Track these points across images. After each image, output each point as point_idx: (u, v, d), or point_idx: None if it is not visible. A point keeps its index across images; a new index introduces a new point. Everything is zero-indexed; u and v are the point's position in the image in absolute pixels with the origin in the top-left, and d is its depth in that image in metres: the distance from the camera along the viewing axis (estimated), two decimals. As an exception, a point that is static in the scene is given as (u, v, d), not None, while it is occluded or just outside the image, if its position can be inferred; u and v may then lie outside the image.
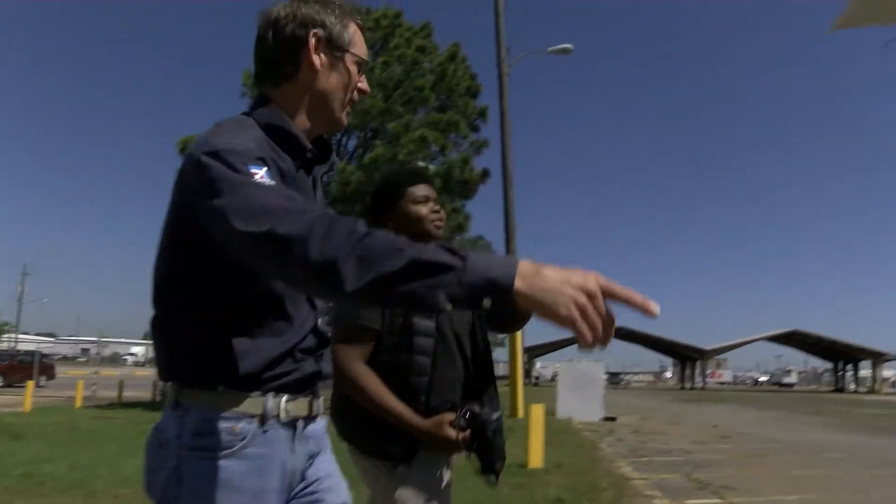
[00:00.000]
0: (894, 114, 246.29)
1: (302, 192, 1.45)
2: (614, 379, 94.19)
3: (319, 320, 1.58)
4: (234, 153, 1.28)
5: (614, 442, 13.03)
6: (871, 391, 66.55)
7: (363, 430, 2.18)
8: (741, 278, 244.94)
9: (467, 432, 2.10)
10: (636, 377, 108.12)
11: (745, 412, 26.42)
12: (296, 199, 1.24)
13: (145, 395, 22.70)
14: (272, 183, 1.26)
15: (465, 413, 2.12)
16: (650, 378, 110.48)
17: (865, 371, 73.84)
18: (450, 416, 2.11)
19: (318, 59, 1.51)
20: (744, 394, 56.44)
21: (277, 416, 1.42)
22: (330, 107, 1.56)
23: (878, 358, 69.25)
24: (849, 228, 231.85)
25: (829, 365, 78.82)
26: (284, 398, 1.43)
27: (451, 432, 2.09)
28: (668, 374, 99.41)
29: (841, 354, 71.98)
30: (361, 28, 1.61)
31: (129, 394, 22.51)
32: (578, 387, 18.71)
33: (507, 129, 19.10)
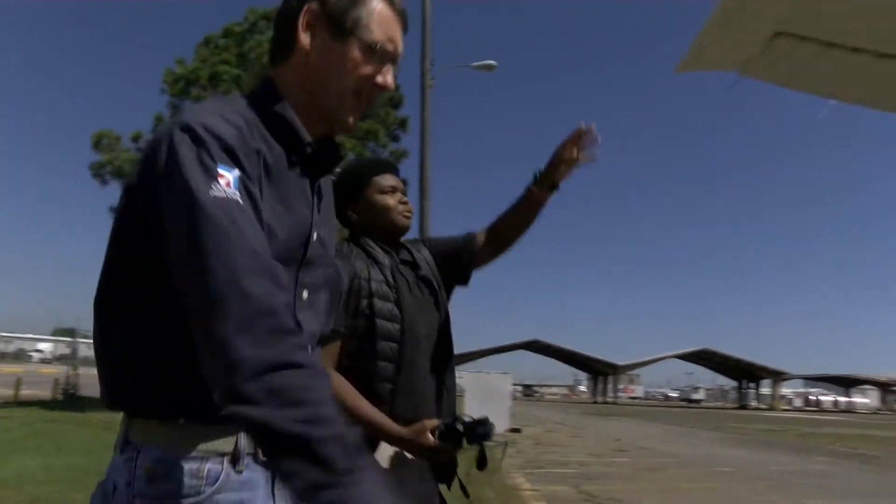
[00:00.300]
0: (809, 151, 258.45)
1: (290, 192, 1.22)
2: (528, 391, 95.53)
3: (309, 349, 1.24)
4: (201, 140, 1.05)
5: (514, 453, 13.18)
6: (771, 408, 69.45)
7: None
8: (656, 297, 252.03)
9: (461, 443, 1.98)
10: (551, 390, 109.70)
11: (649, 427, 27.18)
12: (254, 237, 1.03)
13: (46, 393, 21.77)
14: (234, 196, 1.04)
15: (460, 424, 1.99)
16: (564, 391, 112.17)
17: (767, 389, 77.06)
18: (431, 424, 1.97)
19: (306, 39, 1.25)
20: (652, 409, 58.00)
21: (254, 453, 1.15)
22: (326, 101, 1.27)
23: (778, 377, 72.64)
24: (758, 254, 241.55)
25: (734, 383, 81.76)
26: None
27: (432, 440, 1.96)
28: (583, 388, 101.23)
29: (745, 373, 74.94)
30: (397, 8, 1.31)
31: (28, 392, 21.46)
32: (486, 398, 18.87)
33: (428, 140, 19.21)
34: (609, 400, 74.94)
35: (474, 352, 73.38)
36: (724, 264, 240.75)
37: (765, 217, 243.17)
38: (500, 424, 19.07)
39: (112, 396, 1.15)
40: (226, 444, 1.12)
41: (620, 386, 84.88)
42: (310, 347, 1.25)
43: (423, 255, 2.28)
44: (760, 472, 12.06)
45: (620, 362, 74.10)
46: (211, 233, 0.99)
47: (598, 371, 77.27)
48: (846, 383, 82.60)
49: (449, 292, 2.33)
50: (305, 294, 1.24)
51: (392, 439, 1.97)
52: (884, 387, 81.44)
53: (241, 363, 0.94)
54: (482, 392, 19.34)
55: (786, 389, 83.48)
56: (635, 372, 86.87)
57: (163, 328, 1.10)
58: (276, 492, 1.18)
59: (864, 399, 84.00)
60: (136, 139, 19.61)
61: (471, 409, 19.72)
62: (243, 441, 1.13)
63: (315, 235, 1.26)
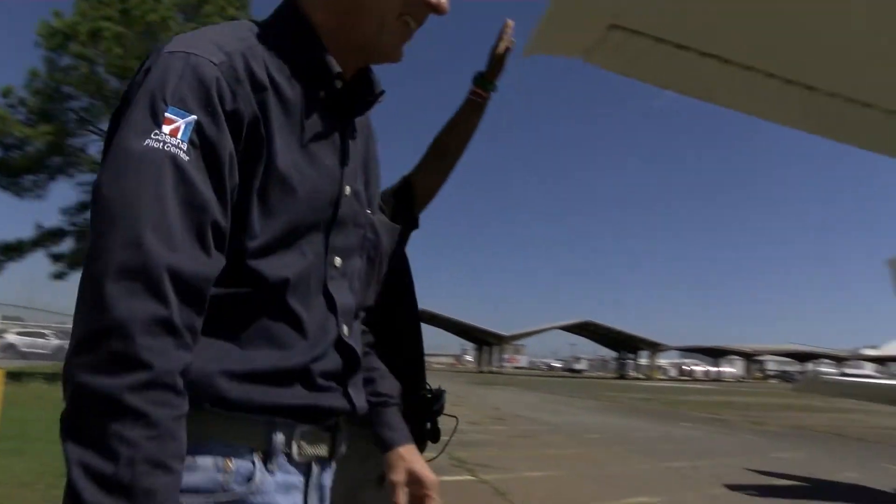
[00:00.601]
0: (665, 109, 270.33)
1: (314, 137, 1.02)
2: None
3: (345, 328, 1.08)
4: (166, 75, 0.88)
5: (395, 422, 13.35)
6: (648, 378, 73.05)
7: None
8: (542, 271, 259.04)
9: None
10: (437, 359, 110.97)
11: (529, 396, 28.05)
12: (171, 209, 0.83)
13: None
14: (173, 148, 0.84)
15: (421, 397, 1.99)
16: (451, 360, 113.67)
17: (645, 360, 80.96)
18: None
19: None
20: (536, 379, 59.76)
21: (289, 453, 0.99)
22: (362, 23, 1.03)
23: (655, 348, 76.58)
24: (639, 234, 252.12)
25: (615, 353, 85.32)
26: (299, 429, 1.00)
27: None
28: (469, 358, 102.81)
29: (625, 344, 78.38)
30: None
31: None
32: (369, 368, 18.97)
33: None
34: (494, 369, 76.64)
35: (363, 322, 73.13)
36: (607, 242, 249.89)
37: (643, 199, 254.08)
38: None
39: None
40: (257, 438, 0.95)
41: (506, 356, 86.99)
42: (350, 325, 1.10)
43: (381, 219, 2.22)
44: (627, 437, 12.79)
45: (506, 333, 75.91)
46: (111, 201, 0.82)
47: (484, 341, 78.78)
48: (716, 354, 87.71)
49: (404, 240, 2.30)
50: (338, 261, 1.07)
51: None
52: (748, 357, 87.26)
53: (71, 386, 0.77)
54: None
55: (662, 360, 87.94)
56: (520, 342, 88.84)
57: None
58: (308, 501, 1.05)
59: (732, 368, 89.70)
60: (6, 94, 18.37)
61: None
62: (279, 437, 0.97)
63: (348, 190, 1.08)
